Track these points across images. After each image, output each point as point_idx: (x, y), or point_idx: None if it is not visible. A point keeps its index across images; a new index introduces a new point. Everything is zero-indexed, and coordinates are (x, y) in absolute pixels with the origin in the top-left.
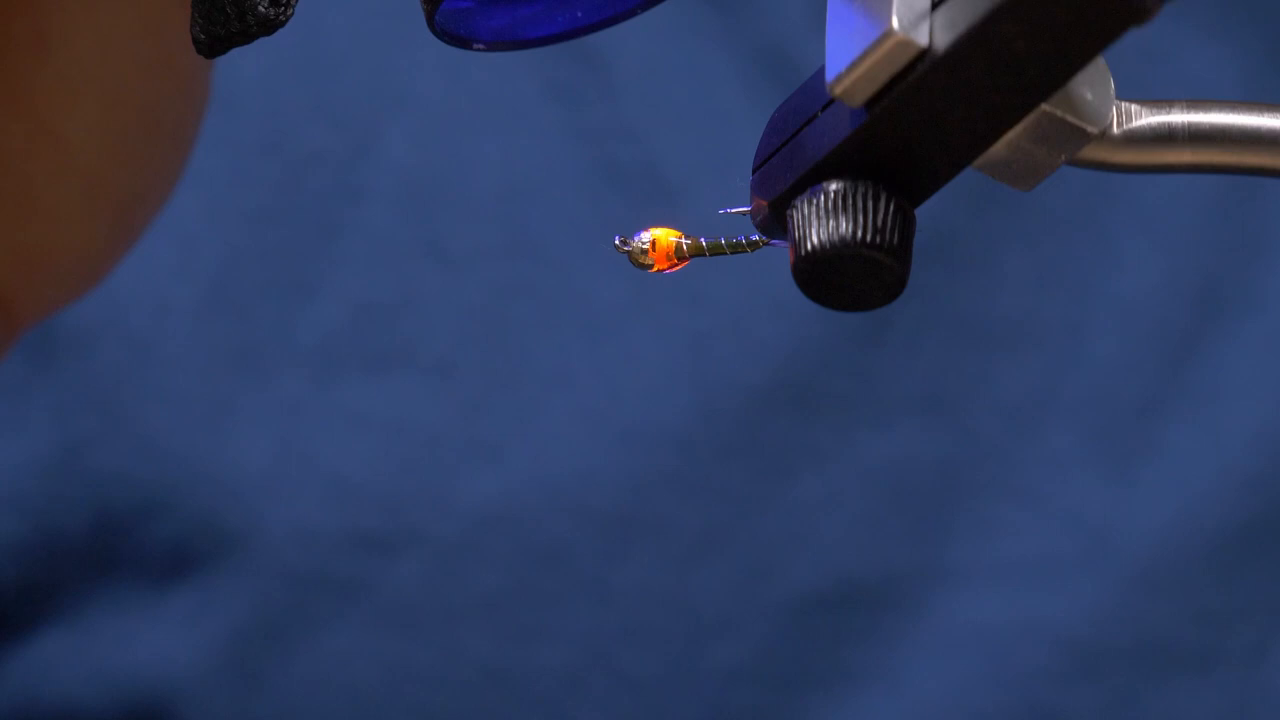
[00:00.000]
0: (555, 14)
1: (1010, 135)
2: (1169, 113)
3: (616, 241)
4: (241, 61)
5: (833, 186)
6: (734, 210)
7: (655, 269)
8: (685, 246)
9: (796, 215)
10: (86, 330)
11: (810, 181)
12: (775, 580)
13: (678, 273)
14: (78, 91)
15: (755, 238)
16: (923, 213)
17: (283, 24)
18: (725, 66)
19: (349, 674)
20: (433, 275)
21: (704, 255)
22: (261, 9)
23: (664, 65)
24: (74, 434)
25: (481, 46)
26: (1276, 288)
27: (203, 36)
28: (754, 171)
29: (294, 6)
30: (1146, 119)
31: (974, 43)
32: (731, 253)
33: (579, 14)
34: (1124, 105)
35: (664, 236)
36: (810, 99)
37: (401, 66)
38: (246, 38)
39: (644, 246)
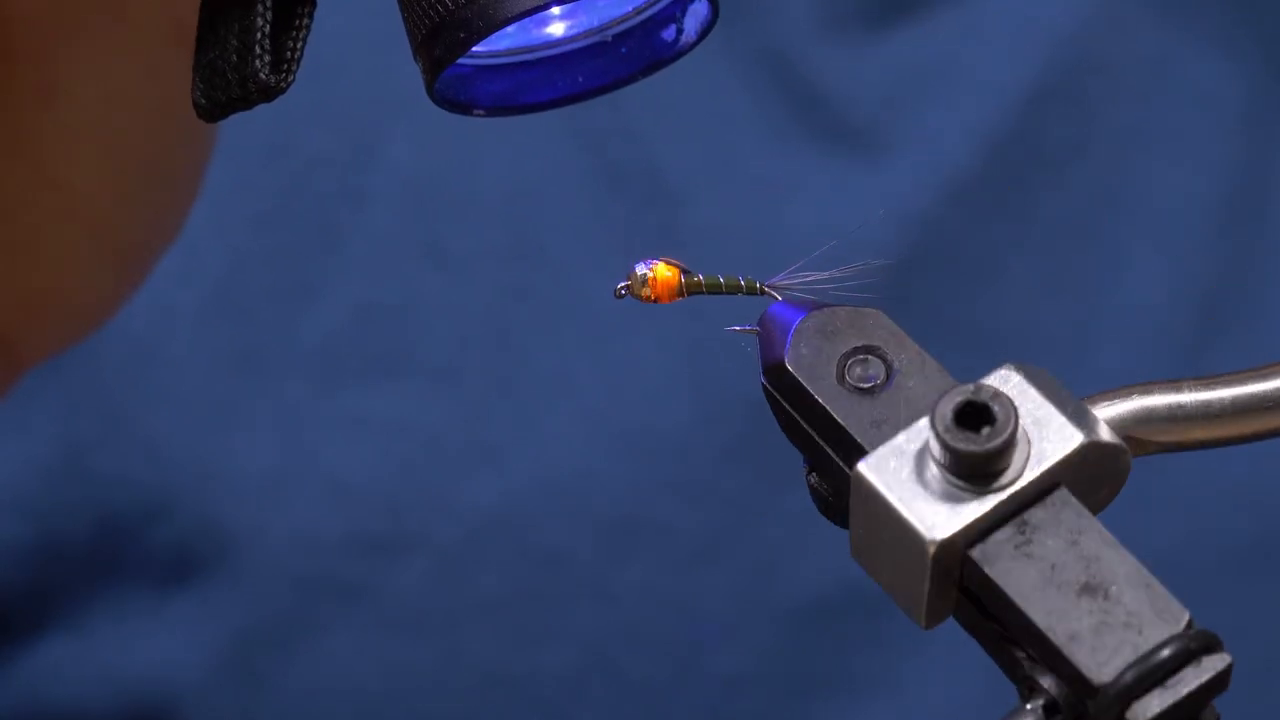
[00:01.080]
0: (555, 79)
1: None
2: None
3: (619, 288)
4: None
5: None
6: (739, 329)
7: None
8: (686, 284)
9: None
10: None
11: None
12: (777, 586)
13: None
14: (82, 140)
15: (758, 282)
16: (929, 221)
17: (284, 90)
18: (726, 70)
19: (351, 677)
20: (434, 279)
21: (702, 292)
22: (262, 76)
23: (666, 71)
24: (77, 438)
25: (481, 112)
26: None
27: (204, 101)
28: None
29: (295, 74)
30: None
31: None
32: (729, 292)
33: (580, 79)
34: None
35: (665, 272)
36: None
37: (403, 70)
38: (247, 104)
39: (645, 289)
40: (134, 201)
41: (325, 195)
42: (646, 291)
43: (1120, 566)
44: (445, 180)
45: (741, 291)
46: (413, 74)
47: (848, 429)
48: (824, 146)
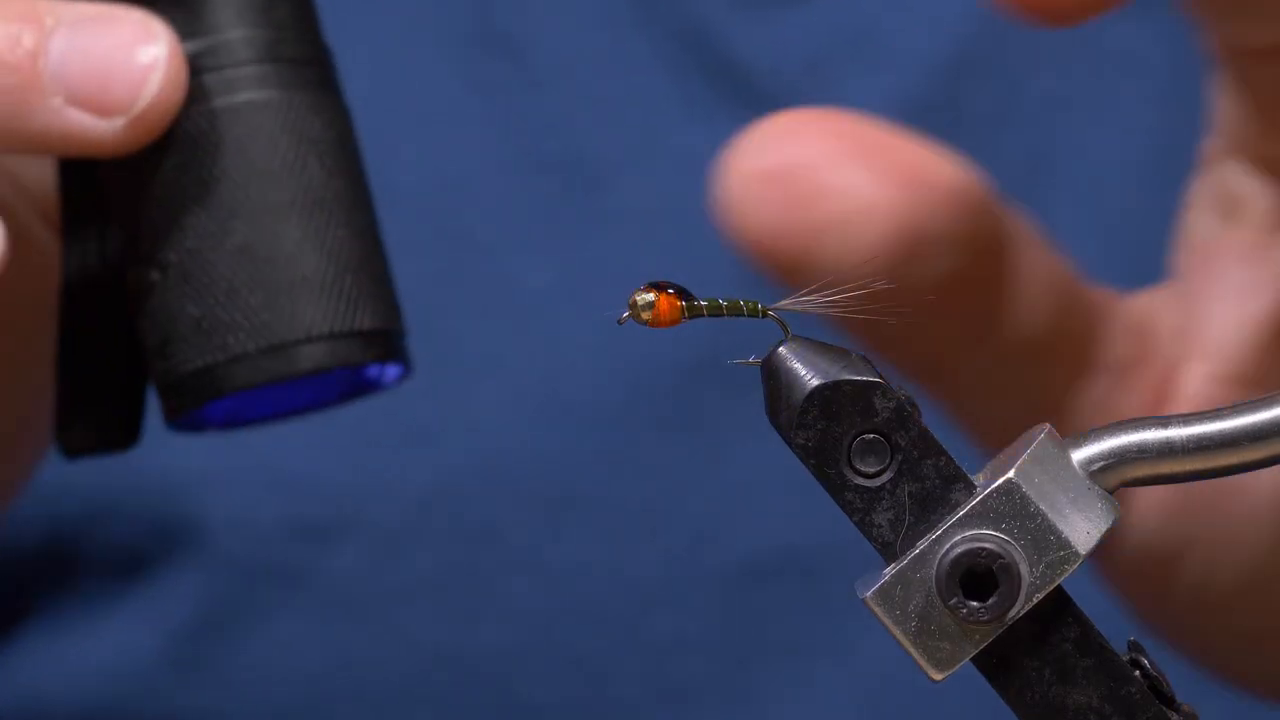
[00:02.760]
0: (280, 398)
1: None
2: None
3: (621, 317)
4: None
5: None
6: (740, 361)
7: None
8: (687, 308)
9: None
10: None
11: None
12: (714, 553)
13: (602, 256)
14: None
15: (760, 304)
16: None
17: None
18: (645, 51)
19: (297, 660)
20: None
21: (704, 316)
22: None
23: (584, 53)
24: None
25: (215, 429)
26: None
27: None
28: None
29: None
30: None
31: None
32: (730, 315)
33: (304, 398)
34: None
35: (666, 301)
36: None
37: None
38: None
39: (646, 314)
40: None
41: None
42: (647, 316)
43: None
44: (368, 171)
45: (743, 315)
46: None
47: (860, 531)
48: (746, 118)
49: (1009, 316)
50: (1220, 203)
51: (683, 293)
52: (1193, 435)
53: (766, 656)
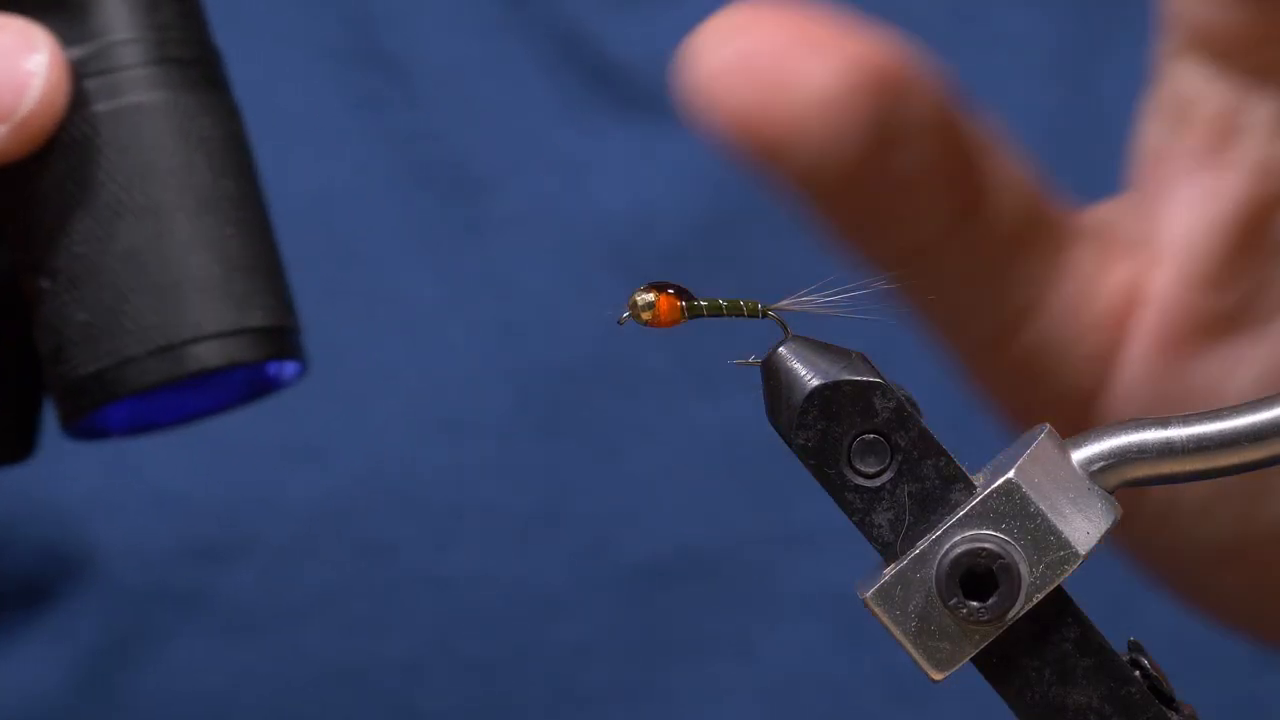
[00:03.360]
0: (181, 403)
1: None
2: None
3: (622, 318)
4: None
5: None
6: (740, 362)
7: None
8: (687, 308)
9: None
10: None
11: None
12: (611, 556)
13: (486, 265)
14: None
15: (760, 304)
16: (750, 185)
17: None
18: (523, 57)
19: (196, 682)
20: None
21: (704, 316)
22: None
23: (463, 64)
24: None
25: (117, 435)
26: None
27: None
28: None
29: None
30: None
31: None
32: (730, 315)
33: (205, 402)
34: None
35: (666, 301)
36: None
37: None
38: None
39: (647, 314)
40: None
41: None
42: (648, 316)
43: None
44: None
45: (743, 314)
46: None
47: (860, 531)
48: (625, 117)
49: (983, 211)
50: (1172, 109)
51: (682, 292)
52: (1193, 435)
53: (670, 658)
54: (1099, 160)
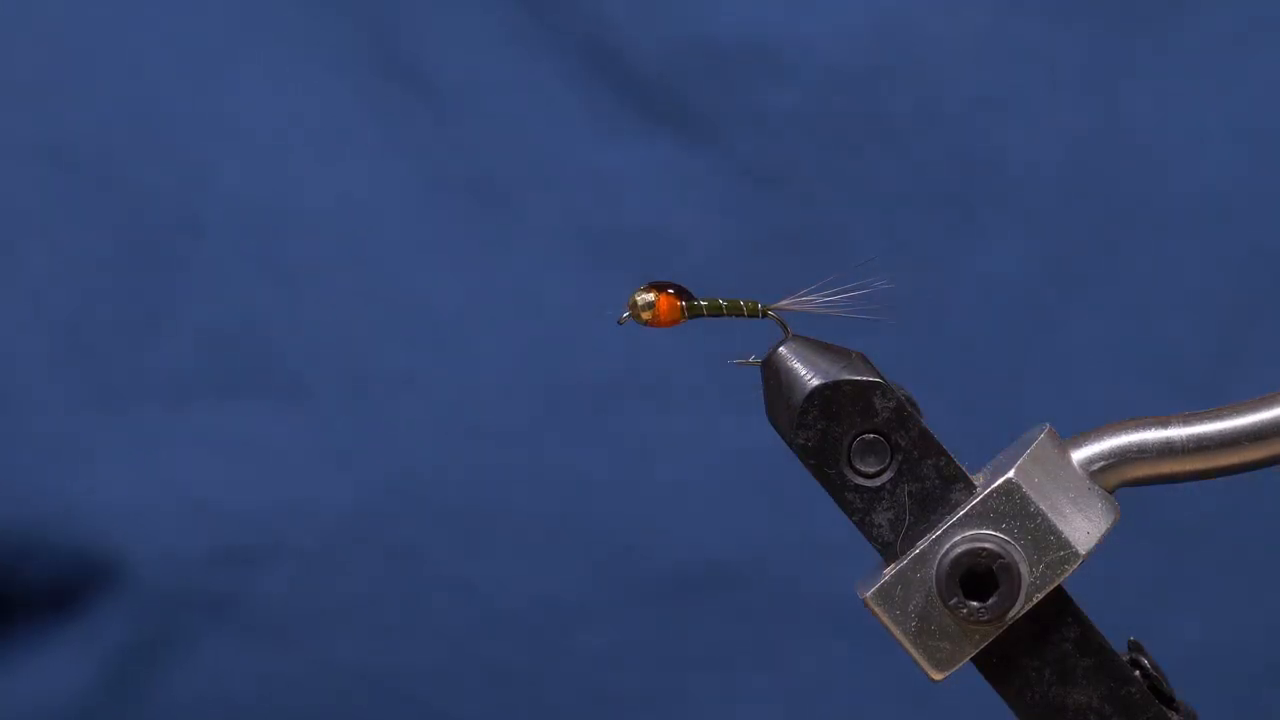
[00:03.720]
0: None
1: None
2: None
3: (622, 317)
4: (70, 107)
5: None
6: (740, 361)
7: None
8: (687, 308)
9: None
10: None
11: None
12: (638, 564)
13: (515, 278)
14: None
15: (760, 304)
16: (780, 203)
17: None
18: (548, 68)
19: (225, 687)
20: (276, 295)
21: (704, 316)
22: None
23: (487, 73)
24: None
25: None
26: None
27: None
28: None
29: None
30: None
31: None
32: (730, 315)
33: None
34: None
35: (666, 300)
36: None
37: (227, 99)
38: None
39: (646, 314)
40: None
41: (160, 227)
42: (648, 316)
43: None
44: (276, 200)
45: (743, 314)
46: (236, 102)
47: (860, 531)
48: (654, 132)
49: None
50: None
51: (683, 292)
52: (1193, 435)
53: (695, 667)
54: (1126, 177)
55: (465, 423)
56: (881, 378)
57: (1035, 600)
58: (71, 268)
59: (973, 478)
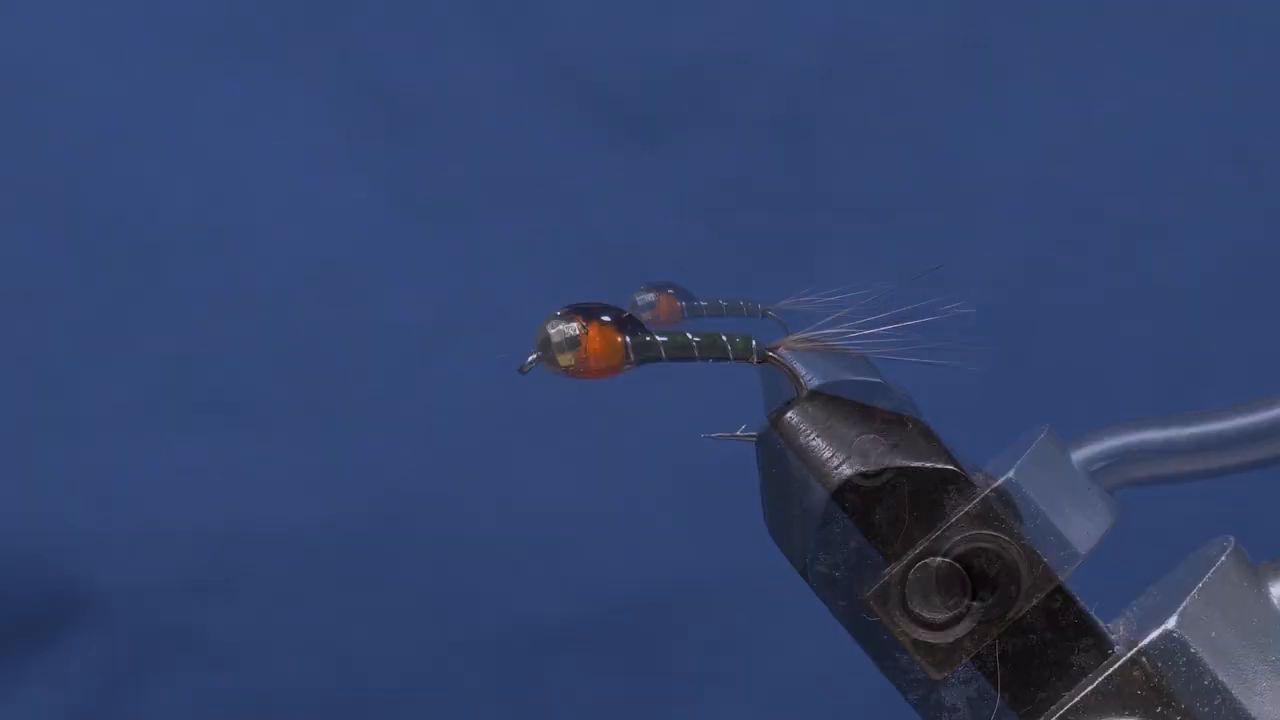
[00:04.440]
0: None
1: None
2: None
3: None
4: (24, 142)
5: None
6: (715, 436)
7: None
8: (687, 309)
9: None
10: None
11: None
12: (609, 584)
13: (484, 296)
14: None
15: (760, 304)
16: (748, 211)
17: None
18: (512, 84)
19: (196, 715)
20: (239, 320)
21: (704, 316)
22: None
23: (455, 92)
24: None
25: None
26: None
27: None
28: None
29: None
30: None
31: None
32: (730, 315)
33: None
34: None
35: (666, 301)
36: None
37: (178, 123)
38: None
39: (646, 309)
40: None
41: (117, 258)
42: (648, 316)
43: None
44: (236, 225)
45: (743, 314)
46: (188, 125)
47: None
48: (623, 145)
49: None
50: None
51: (682, 293)
52: (1193, 435)
53: (669, 687)
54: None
55: (436, 445)
56: (881, 377)
57: (1035, 600)
58: (26, 297)
59: (973, 478)
